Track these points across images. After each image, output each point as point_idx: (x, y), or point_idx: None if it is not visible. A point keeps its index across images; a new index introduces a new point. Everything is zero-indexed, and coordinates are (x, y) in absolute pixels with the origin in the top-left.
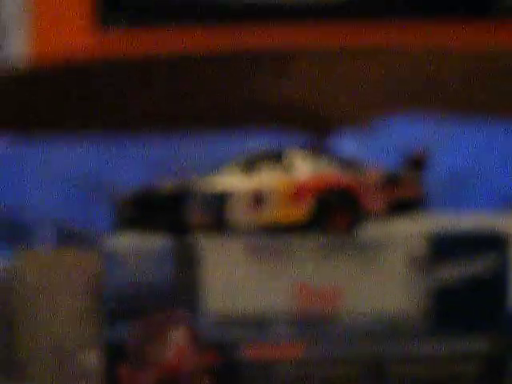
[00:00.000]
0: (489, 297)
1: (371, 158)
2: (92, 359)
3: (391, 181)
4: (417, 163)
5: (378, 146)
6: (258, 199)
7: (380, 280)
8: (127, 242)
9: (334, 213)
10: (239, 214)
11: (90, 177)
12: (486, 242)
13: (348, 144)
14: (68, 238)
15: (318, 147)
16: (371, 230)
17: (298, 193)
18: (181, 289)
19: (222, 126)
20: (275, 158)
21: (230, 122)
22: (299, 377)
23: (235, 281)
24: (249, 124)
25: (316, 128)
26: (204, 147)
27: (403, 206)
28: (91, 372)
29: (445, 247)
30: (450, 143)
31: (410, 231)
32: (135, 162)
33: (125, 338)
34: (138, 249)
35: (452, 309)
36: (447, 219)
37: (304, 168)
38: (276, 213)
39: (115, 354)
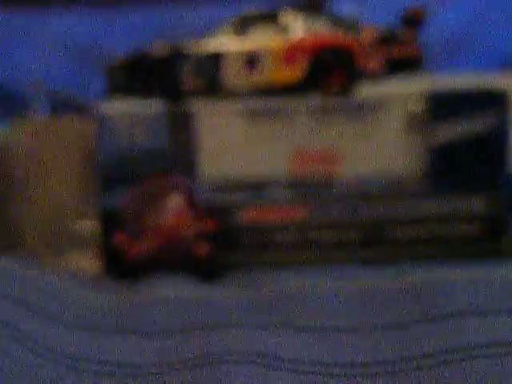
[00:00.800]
0: (488, 156)
1: (368, 17)
2: (88, 227)
3: (388, 39)
4: (413, 20)
5: (375, 6)
6: (251, 60)
7: (378, 141)
8: (120, 108)
9: (329, 72)
10: (233, 76)
11: (83, 43)
12: (485, 100)
13: (344, 4)
14: (61, 105)
15: (313, 7)
16: (368, 91)
17: (292, 53)
18: (176, 154)
19: None
20: (269, 18)
21: None
22: (298, 240)
23: (231, 145)
24: None
25: None
26: (198, 11)
27: (400, 65)
28: (88, 240)
29: (443, 106)
30: (448, 2)
31: (408, 91)
32: (128, 28)
33: (121, 205)
34: (131, 114)
35: (451, 168)
36: (445, 78)
37: (299, 28)
38: (270, 74)
39: (111, 222)
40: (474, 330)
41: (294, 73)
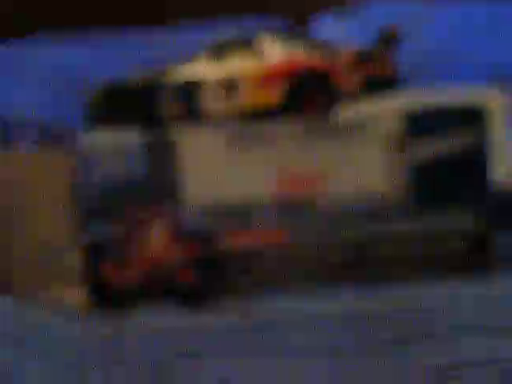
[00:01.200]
0: (471, 172)
1: (350, 39)
2: (76, 258)
3: (364, 59)
4: (389, 39)
5: (358, 27)
6: (229, 86)
7: (360, 161)
8: (102, 138)
9: (307, 96)
10: (212, 102)
11: (67, 74)
12: (466, 116)
13: (327, 26)
14: (45, 137)
15: (289, 31)
16: (347, 112)
17: (269, 77)
18: (160, 183)
19: (203, 14)
20: (245, 43)
21: (208, 10)
22: (282, 263)
23: (214, 171)
24: (226, 10)
25: (295, 11)
26: (177, 37)
27: (378, 83)
28: (74, 271)
29: (422, 124)
30: (431, 19)
31: (388, 110)
32: (110, 57)
33: (107, 236)
34: (114, 145)
35: (434, 186)
36: (424, 96)
37: (275, 52)
38: (249, 98)
39: (97, 252)
40: (458, 350)
41: (272, 97)
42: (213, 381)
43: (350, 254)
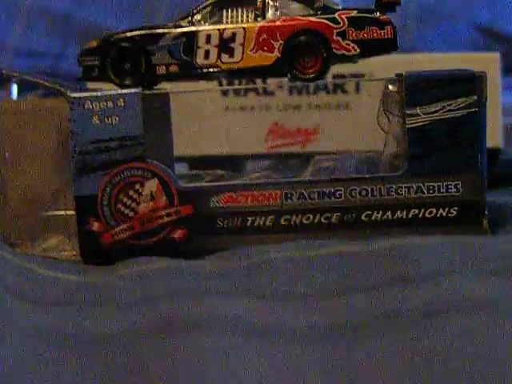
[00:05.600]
0: (465, 138)
1: (349, 1)
2: (65, 213)
3: (363, 21)
4: (388, 1)
5: None
6: (225, 43)
7: (353, 123)
8: (94, 93)
9: (304, 55)
10: (207, 58)
11: (60, 15)
12: (462, 81)
13: None
14: (35, 87)
15: None
16: (344, 73)
17: (266, 36)
18: (151, 140)
19: None
20: (244, 1)
21: None
22: (274, 224)
23: (207, 127)
24: None
25: None
26: None
27: (375, 46)
28: (64, 226)
29: (419, 87)
30: None
31: (384, 72)
32: (110, 7)
33: (96, 192)
34: (106, 99)
35: (428, 151)
36: (420, 59)
37: (273, 11)
38: (244, 56)
39: (87, 208)
40: (447, 290)
41: (268, 56)
42: (197, 318)
43: (341, 216)
